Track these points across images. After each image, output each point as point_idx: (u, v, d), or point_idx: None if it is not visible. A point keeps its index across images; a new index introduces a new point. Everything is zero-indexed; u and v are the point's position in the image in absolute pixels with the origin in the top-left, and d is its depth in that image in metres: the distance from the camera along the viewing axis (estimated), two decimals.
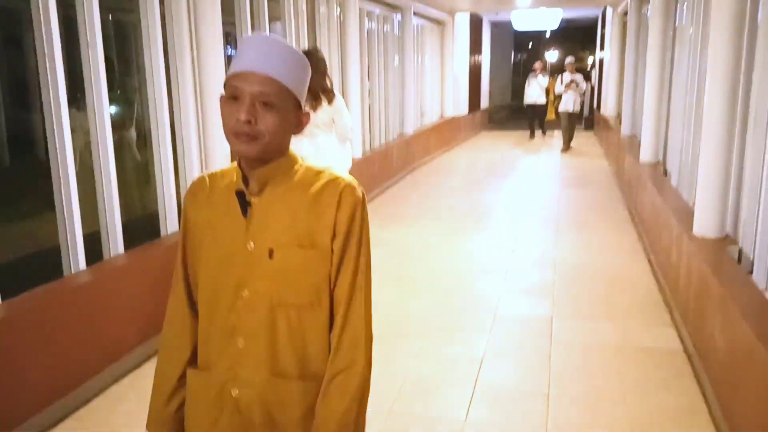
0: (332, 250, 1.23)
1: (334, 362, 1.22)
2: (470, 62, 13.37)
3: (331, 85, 3.96)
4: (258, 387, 1.23)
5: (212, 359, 1.26)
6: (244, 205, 1.24)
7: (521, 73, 20.43)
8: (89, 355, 2.90)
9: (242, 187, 1.24)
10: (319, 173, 1.27)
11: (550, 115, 16.34)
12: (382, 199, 7.31)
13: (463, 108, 12.73)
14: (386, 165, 7.90)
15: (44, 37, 2.81)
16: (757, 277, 2.72)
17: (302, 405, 1.24)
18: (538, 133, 13.43)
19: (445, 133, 11.27)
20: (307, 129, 3.60)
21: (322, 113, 3.85)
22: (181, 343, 1.31)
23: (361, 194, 1.26)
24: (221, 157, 3.87)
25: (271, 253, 1.21)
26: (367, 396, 1.22)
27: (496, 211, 6.81)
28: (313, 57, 3.67)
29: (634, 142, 7.32)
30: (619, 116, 9.56)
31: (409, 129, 9.22)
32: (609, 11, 11.67)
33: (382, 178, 7.68)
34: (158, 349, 1.36)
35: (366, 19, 7.43)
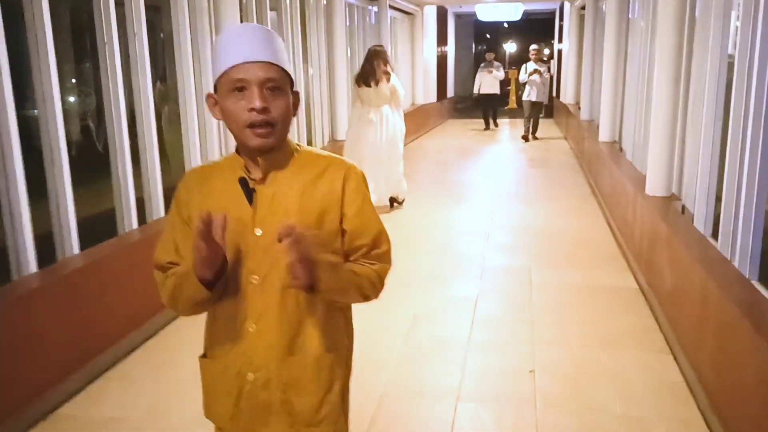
0: (343, 231, 1.30)
1: (363, 264, 1.31)
2: (437, 53, 14.04)
3: (392, 69, 5.88)
4: (273, 369, 1.27)
5: (224, 346, 1.29)
6: (249, 193, 1.26)
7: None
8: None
9: (245, 175, 1.27)
10: (318, 156, 1.33)
11: (512, 105, 17.17)
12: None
13: (432, 96, 13.38)
14: None
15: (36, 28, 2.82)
16: (697, 223, 3.41)
17: (317, 382, 1.29)
18: (493, 124, 13.33)
19: (417, 120, 11.89)
20: (375, 102, 5.78)
21: (384, 88, 5.76)
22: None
23: (362, 174, 1.33)
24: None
25: (280, 238, 1.19)
26: (362, 297, 1.31)
27: (472, 187, 7.48)
28: (381, 50, 5.83)
29: (592, 126, 8.06)
30: (578, 104, 10.37)
31: None
32: (567, 6, 12.47)
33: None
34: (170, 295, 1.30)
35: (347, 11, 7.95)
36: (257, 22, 5.17)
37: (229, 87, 1.20)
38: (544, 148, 10.62)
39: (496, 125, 13.32)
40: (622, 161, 5.60)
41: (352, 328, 1.41)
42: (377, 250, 1.32)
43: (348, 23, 7.95)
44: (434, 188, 7.41)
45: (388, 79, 5.76)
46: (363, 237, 1.30)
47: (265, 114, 1.19)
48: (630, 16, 6.12)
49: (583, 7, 10.49)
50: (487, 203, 6.59)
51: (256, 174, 1.27)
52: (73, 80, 7.69)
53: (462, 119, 15.72)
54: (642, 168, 4.83)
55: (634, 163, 5.26)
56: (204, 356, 1.36)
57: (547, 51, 17.84)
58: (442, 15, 14.26)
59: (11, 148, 2.63)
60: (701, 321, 2.77)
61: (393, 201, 6.13)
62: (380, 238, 1.33)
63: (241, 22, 5.23)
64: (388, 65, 5.77)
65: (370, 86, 5.70)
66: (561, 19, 14.28)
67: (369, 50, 5.90)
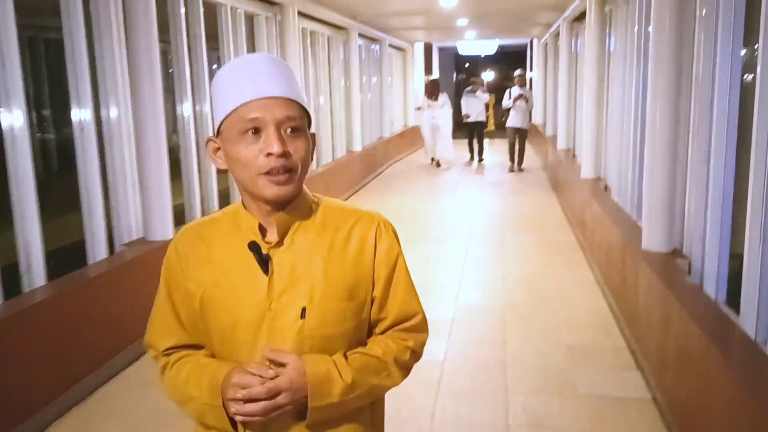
0: (373, 298, 1.13)
1: (390, 344, 1.14)
2: (424, 81, 16.06)
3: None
4: None
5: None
6: (263, 260, 1.07)
7: (461, 92, 23.30)
8: None
9: (257, 236, 1.08)
10: (343, 210, 1.15)
11: (491, 127, 19.22)
12: (374, 183, 9.72)
13: (420, 119, 15.34)
14: (374, 159, 10.33)
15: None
16: (708, 287, 2.77)
17: None
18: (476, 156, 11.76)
19: (409, 139, 13.80)
20: (437, 107, 10.71)
21: (442, 99, 10.86)
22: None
23: (393, 229, 1.17)
24: None
25: (303, 312, 1.06)
26: (380, 391, 1.14)
27: (460, 187, 9.34)
28: (436, 80, 11.64)
29: (569, 155, 8.04)
30: (545, 124, 12.34)
31: (386, 133, 11.71)
32: (535, 40, 14.59)
33: (373, 168, 10.10)
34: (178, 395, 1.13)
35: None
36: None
37: (239, 129, 1.03)
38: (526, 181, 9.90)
39: (481, 159, 11.60)
40: (609, 205, 4.89)
41: (382, 415, 1.22)
42: (410, 323, 1.15)
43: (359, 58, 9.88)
44: (425, 188, 9.27)
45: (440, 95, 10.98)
46: (394, 307, 1.14)
47: (286, 159, 1.02)
48: (609, 48, 5.85)
49: (546, 44, 12.57)
50: (471, 198, 8.43)
51: (272, 235, 1.09)
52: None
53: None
54: (632, 211, 4.38)
55: (622, 204, 4.73)
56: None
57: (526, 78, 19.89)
58: (428, 49, 16.34)
59: None
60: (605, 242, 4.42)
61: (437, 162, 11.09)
62: (413, 308, 1.16)
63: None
64: (439, 85, 11.18)
65: (435, 99, 10.78)
66: (532, 50, 16.42)
67: (432, 80, 11.78)
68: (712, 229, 2.88)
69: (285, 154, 1.03)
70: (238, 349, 1.09)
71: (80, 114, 3.54)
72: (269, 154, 1.02)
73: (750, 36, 2.75)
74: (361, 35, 9.60)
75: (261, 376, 1.02)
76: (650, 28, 3.65)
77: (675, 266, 3.19)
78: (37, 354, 2.86)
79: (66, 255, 3.97)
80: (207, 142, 1.11)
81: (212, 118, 1.11)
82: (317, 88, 7.88)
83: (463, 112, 11.56)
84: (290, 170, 1.04)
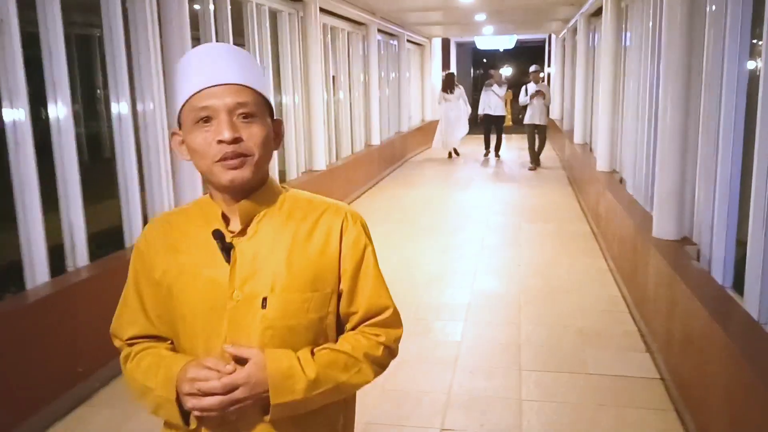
0: (340, 291, 1.11)
1: (361, 338, 1.11)
2: (442, 77, 16.16)
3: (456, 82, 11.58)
4: None
5: (196, 430, 1.06)
6: (226, 248, 1.06)
7: (479, 87, 23.35)
8: None
9: (220, 226, 1.07)
10: (311, 201, 1.13)
11: (508, 122, 19.27)
12: (392, 176, 9.89)
13: (438, 114, 15.45)
14: (392, 153, 10.50)
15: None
16: (715, 272, 2.96)
17: None
18: (488, 153, 11.70)
19: (426, 133, 13.94)
20: (453, 100, 11.09)
21: (458, 92, 11.38)
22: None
23: (362, 221, 1.14)
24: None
25: (264, 302, 1.05)
26: (349, 389, 1.11)
27: (476, 181, 9.47)
28: (452, 74, 12.12)
29: (585, 149, 8.21)
30: (562, 119, 12.39)
31: (404, 128, 11.86)
32: (553, 36, 14.62)
33: (392, 162, 10.28)
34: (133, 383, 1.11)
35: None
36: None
37: (193, 118, 1.03)
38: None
39: (498, 154, 11.49)
40: (623, 196, 4.98)
41: (353, 405, 1.21)
42: (381, 317, 1.13)
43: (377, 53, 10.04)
44: (444, 180, 9.43)
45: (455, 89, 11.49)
46: (363, 301, 1.11)
47: (238, 145, 1.01)
48: (625, 43, 5.91)
49: (564, 39, 12.60)
50: (488, 190, 8.56)
51: (235, 224, 1.08)
52: None
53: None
54: (645, 203, 4.49)
55: (636, 196, 4.83)
56: (168, 426, 1.12)
57: (541, 74, 19.85)
58: (446, 44, 16.43)
59: None
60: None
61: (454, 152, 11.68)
62: (383, 301, 1.13)
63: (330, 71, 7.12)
64: (455, 79, 11.82)
65: (451, 92, 11.32)
66: (550, 44, 16.43)
67: (448, 74, 12.10)
68: (719, 218, 3.04)
69: (236, 140, 1.02)
70: (199, 339, 1.08)
71: (119, 107, 3.76)
72: (220, 141, 1.02)
73: (757, 30, 2.89)
74: (379, 31, 9.76)
75: (218, 371, 1.00)
76: (662, 23, 3.77)
77: (684, 252, 3.32)
78: (83, 325, 3.09)
79: (103, 239, 4.21)
80: (171, 135, 1.11)
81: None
82: (337, 83, 8.07)
83: (481, 107, 11.41)
84: (243, 155, 1.03)
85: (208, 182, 1.09)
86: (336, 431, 1.15)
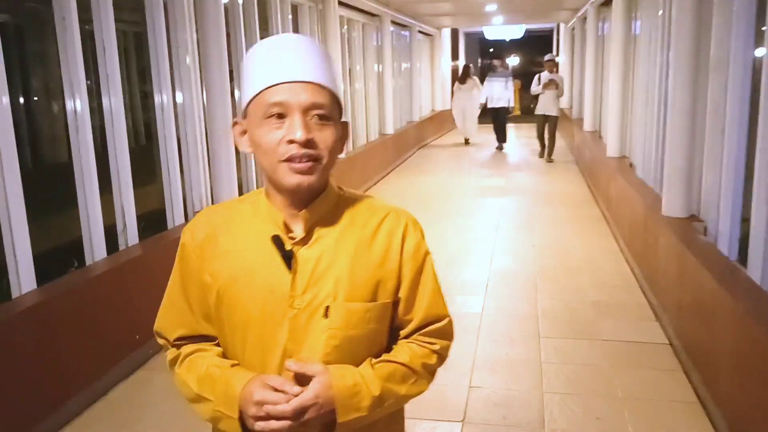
0: (397, 299, 1.09)
1: (414, 349, 1.10)
2: (451, 66, 16.34)
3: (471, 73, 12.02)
4: None
5: None
6: (287, 255, 1.02)
7: (485, 76, 23.46)
8: None
9: (282, 230, 1.04)
10: (370, 206, 1.10)
11: (516, 111, 19.40)
12: (406, 164, 10.15)
13: (447, 103, 15.65)
14: (405, 141, 10.75)
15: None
16: (721, 245, 3.43)
17: None
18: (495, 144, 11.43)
19: (437, 123, 14.15)
20: (466, 90, 11.44)
21: (470, 83, 11.75)
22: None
23: (421, 229, 1.13)
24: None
25: (326, 311, 1.02)
26: (407, 400, 1.10)
27: (488, 168, 9.70)
28: (467, 66, 12.41)
29: (595, 136, 8.45)
30: (571, 107, 12.57)
31: (416, 117, 12.10)
32: (562, 25, 14.75)
33: (405, 150, 10.54)
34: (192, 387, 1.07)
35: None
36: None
37: (264, 112, 0.98)
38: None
39: (502, 147, 11.28)
40: (633, 180, 5.22)
41: (403, 414, 1.20)
42: (436, 325, 1.11)
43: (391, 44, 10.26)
44: (460, 165, 9.67)
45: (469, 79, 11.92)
46: (421, 309, 1.09)
47: (309, 148, 0.97)
48: (635, 31, 6.07)
49: (573, 28, 12.75)
50: (503, 174, 8.80)
51: (296, 230, 1.04)
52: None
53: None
54: (655, 185, 4.65)
55: (645, 179, 5.05)
56: None
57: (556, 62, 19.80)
58: (454, 35, 16.61)
59: None
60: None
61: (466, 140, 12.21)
62: (440, 310, 1.12)
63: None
64: (468, 73, 11.98)
65: (464, 83, 11.71)
66: (559, 33, 16.56)
67: (464, 66, 12.60)
68: (725, 196, 3.26)
69: (309, 142, 0.98)
70: (254, 348, 1.05)
71: (162, 98, 4.02)
72: (291, 141, 0.97)
73: (764, 17, 3.04)
74: (392, 22, 9.97)
75: (284, 392, 0.97)
76: (672, 12, 3.99)
77: (692, 228, 3.56)
78: (137, 297, 3.36)
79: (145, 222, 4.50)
80: (233, 124, 1.07)
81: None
82: (354, 73, 8.30)
83: (483, 97, 11.26)
84: (314, 159, 0.99)
85: (268, 180, 1.04)
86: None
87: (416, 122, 12.05)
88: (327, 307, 1.03)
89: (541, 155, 10.02)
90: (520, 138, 13.16)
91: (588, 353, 3.28)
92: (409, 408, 1.19)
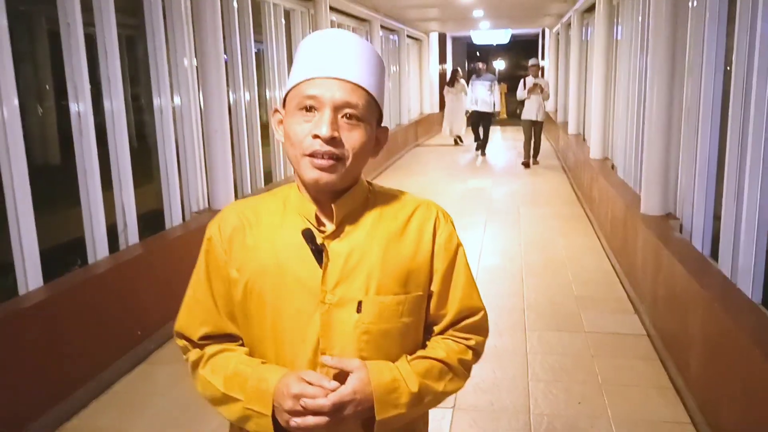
0: (430, 293, 1.08)
1: (450, 345, 1.09)
2: (438, 70, 16.55)
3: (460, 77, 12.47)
4: None
5: None
6: (318, 249, 1.02)
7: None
8: None
9: (312, 224, 1.04)
10: (401, 198, 1.11)
11: (503, 115, 19.68)
12: (396, 165, 10.32)
13: (435, 107, 15.87)
14: (394, 144, 10.93)
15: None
16: (695, 242, 3.79)
17: None
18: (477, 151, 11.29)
19: (425, 126, 14.35)
20: (454, 93, 11.77)
21: (458, 86, 12.29)
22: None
23: (452, 220, 1.12)
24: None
25: (359, 307, 1.02)
26: (444, 397, 1.08)
27: (475, 170, 9.90)
28: (456, 70, 12.79)
29: (579, 139, 8.73)
30: (556, 111, 12.82)
31: (404, 120, 12.28)
32: (547, 30, 15.02)
33: (394, 152, 10.71)
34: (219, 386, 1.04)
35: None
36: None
37: (297, 103, 0.99)
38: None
39: (484, 153, 11.04)
40: (614, 181, 5.45)
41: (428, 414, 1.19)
42: (472, 319, 1.10)
43: (380, 48, 10.43)
44: (450, 166, 9.86)
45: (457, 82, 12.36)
46: (455, 303, 1.08)
47: (333, 146, 0.97)
48: (617, 36, 6.29)
49: (558, 33, 13.01)
50: (491, 174, 8.99)
51: (327, 224, 1.04)
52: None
53: None
54: (635, 186, 4.83)
55: (626, 180, 5.26)
56: None
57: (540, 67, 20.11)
58: (442, 39, 16.82)
59: None
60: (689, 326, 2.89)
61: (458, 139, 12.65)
62: (475, 303, 1.10)
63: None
64: (455, 77, 12.42)
65: (452, 86, 12.20)
66: (544, 38, 16.83)
67: (453, 70, 12.73)
68: (699, 195, 3.48)
69: (333, 140, 0.97)
70: (284, 344, 1.03)
71: (160, 101, 4.14)
72: (316, 136, 0.97)
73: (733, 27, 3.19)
74: (382, 27, 10.14)
75: (322, 387, 0.95)
76: (649, 18, 4.19)
77: (668, 225, 3.76)
78: (138, 294, 3.49)
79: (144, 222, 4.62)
80: (274, 111, 1.07)
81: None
82: None
83: (468, 102, 11.08)
84: (336, 158, 0.98)
85: (295, 171, 1.05)
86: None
87: (405, 125, 12.24)
88: (359, 302, 1.02)
89: (527, 165, 9.70)
90: (507, 140, 13.39)
91: (570, 344, 3.46)
92: None
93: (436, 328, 1.10)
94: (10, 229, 2.90)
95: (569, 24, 10.09)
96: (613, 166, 6.09)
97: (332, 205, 1.03)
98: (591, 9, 7.76)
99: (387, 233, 1.06)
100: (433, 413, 2.73)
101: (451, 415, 2.78)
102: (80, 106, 3.37)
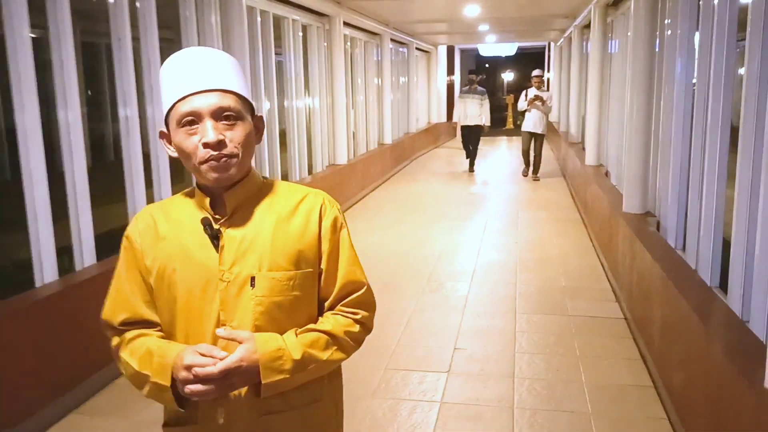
0: (320, 271, 1.22)
1: (339, 317, 1.23)
2: (447, 82, 17.08)
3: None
4: (251, 424, 1.17)
5: (192, 413, 1.18)
6: (214, 235, 1.16)
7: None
8: None
9: (209, 213, 1.18)
10: (291, 188, 1.25)
11: (509, 125, 20.15)
12: (402, 171, 10.80)
13: (443, 117, 16.37)
14: (402, 151, 11.41)
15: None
16: (669, 237, 4.94)
17: None
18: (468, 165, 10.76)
19: (432, 135, 14.83)
20: (471, 96, 10.37)
21: (473, 92, 10.53)
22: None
23: (338, 206, 1.26)
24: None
25: (252, 281, 1.15)
26: (330, 365, 1.21)
27: (479, 177, 10.34)
28: (474, 79, 10.74)
29: (578, 148, 8.79)
30: (559, 121, 13.25)
31: (413, 129, 12.78)
32: (552, 43, 15.51)
33: (401, 160, 11.19)
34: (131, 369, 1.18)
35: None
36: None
37: (178, 121, 1.12)
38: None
39: (472, 170, 10.56)
40: (606, 186, 5.80)
41: (340, 371, 1.31)
42: (357, 294, 1.25)
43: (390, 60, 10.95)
44: (453, 172, 10.31)
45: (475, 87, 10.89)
46: (340, 278, 1.23)
47: (223, 148, 1.11)
48: (610, 51, 6.81)
49: (561, 47, 13.48)
50: (488, 180, 9.43)
51: (222, 212, 1.18)
52: None
53: None
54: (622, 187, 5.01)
55: (618, 186, 5.51)
56: (167, 425, 1.24)
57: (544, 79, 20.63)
58: (450, 51, 17.36)
59: None
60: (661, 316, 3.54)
61: None
62: (357, 277, 1.25)
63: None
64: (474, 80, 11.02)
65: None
66: (550, 51, 17.31)
67: (468, 77, 10.97)
68: (672, 193, 3.91)
69: (221, 143, 1.10)
70: (194, 320, 1.16)
71: (125, 111, 3.83)
72: (206, 144, 1.10)
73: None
74: (392, 40, 10.67)
75: (212, 356, 1.08)
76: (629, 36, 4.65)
77: (646, 223, 4.19)
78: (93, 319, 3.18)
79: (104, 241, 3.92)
80: (160, 134, 1.20)
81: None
82: (356, 87, 8.96)
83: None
84: (228, 157, 1.12)
85: (195, 178, 1.19)
86: (319, 399, 1.24)
87: (413, 133, 12.73)
88: (253, 277, 1.15)
89: (525, 173, 9.87)
90: (512, 150, 13.82)
91: (555, 325, 3.90)
92: (401, 362, 1.61)
93: (327, 304, 1.25)
94: (29, 224, 2.95)
95: (571, 38, 10.56)
96: (606, 173, 6.51)
97: (225, 195, 1.17)
98: (590, 25, 8.23)
99: (277, 217, 1.20)
100: (428, 375, 3.17)
101: (446, 378, 3.22)
102: (127, 111, 3.84)
